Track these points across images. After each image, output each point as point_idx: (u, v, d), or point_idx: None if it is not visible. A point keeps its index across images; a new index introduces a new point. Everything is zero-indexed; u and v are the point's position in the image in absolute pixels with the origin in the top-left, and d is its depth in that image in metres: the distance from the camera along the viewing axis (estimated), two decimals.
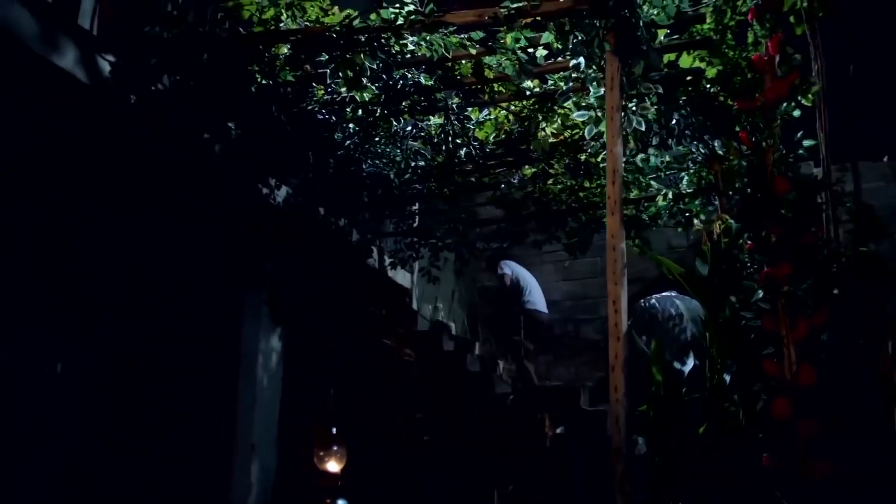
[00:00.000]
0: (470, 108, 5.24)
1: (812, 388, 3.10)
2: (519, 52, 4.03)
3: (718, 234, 3.71)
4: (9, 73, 4.01)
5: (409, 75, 4.68)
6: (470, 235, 8.09)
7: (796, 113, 3.70)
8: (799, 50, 4.25)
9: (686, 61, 4.72)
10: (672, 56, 4.67)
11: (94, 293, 5.30)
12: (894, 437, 2.81)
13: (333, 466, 3.59)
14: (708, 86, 4.79)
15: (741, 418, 3.46)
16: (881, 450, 3.00)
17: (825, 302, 3.21)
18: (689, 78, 4.70)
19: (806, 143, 3.52)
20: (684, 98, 4.69)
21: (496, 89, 4.93)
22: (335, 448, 3.65)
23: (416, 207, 7.42)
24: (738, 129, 4.11)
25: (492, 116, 5.42)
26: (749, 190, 3.38)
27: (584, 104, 4.11)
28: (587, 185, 6.47)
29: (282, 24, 4.32)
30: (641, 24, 3.75)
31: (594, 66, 3.92)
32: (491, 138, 5.60)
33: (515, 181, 6.32)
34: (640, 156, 5.38)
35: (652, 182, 6.17)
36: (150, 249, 5.65)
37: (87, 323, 5.28)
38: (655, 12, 3.78)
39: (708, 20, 4.37)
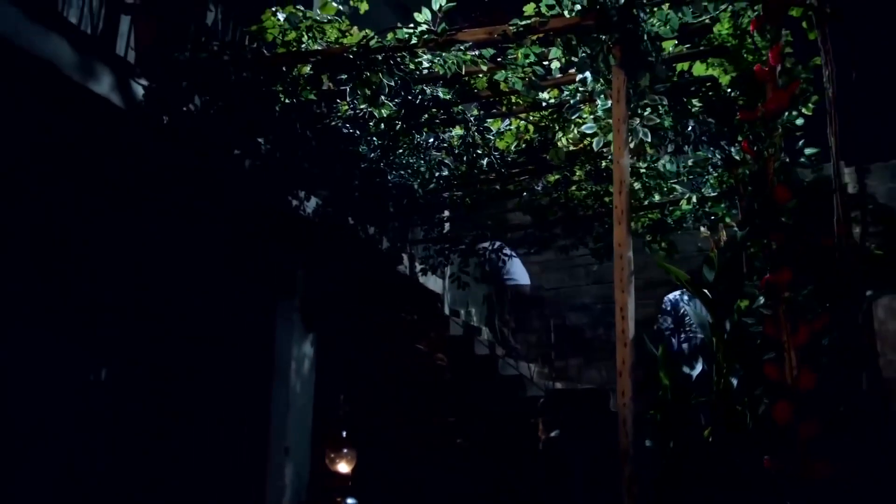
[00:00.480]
0: (489, 120, 5.40)
1: (812, 391, 3.20)
2: (530, 66, 4.18)
3: (725, 240, 3.80)
4: (50, 101, 4.31)
5: (428, 90, 4.86)
6: (497, 242, 8.27)
7: (799, 121, 3.77)
8: (810, 54, 4.34)
9: (699, 69, 4.82)
10: (686, 65, 4.77)
11: (138, 303, 5.60)
12: (889, 437, 2.89)
13: (344, 468, 3.79)
14: (724, 91, 4.88)
15: (748, 421, 3.55)
16: (881, 450, 3.07)
17: (825, 307, 3.30)
18: (704, 85, 4.79)
19: (808, 150, 3.59)
20: (699, 105, 4.78)
21: (513, 101, 5.08)
22: (345, 450, 3.85)
23: (445, 215, 7.62)
24: (740, 138, 4.19)
25: (511, 126, 5.57)
26: (751, 198, 3.48)
27: (592, 116, 4.24)
28: (611, 189, 6.58)
29: (303, 46, 4.54)
30: (646, 37, 3.87)
31: (601, 80, 4.05)
32: (512, 147, 5.74)
33: (539, 188, 6.45)
34: (661, 161, 5.48)
35: (676, 186, 6.26)
36: (188, 261, 5.94)
37: (131, 331, 5.58)
38: (659, 26, 3.90)
39: (725, 25, 4.47)
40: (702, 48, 4.39)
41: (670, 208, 6.52)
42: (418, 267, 7.91)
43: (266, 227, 6.19)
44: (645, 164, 5.91)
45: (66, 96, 4.29)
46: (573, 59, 4.00)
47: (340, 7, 4.58)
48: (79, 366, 5.32)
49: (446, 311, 8.74)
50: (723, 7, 3.96)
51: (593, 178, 6.14)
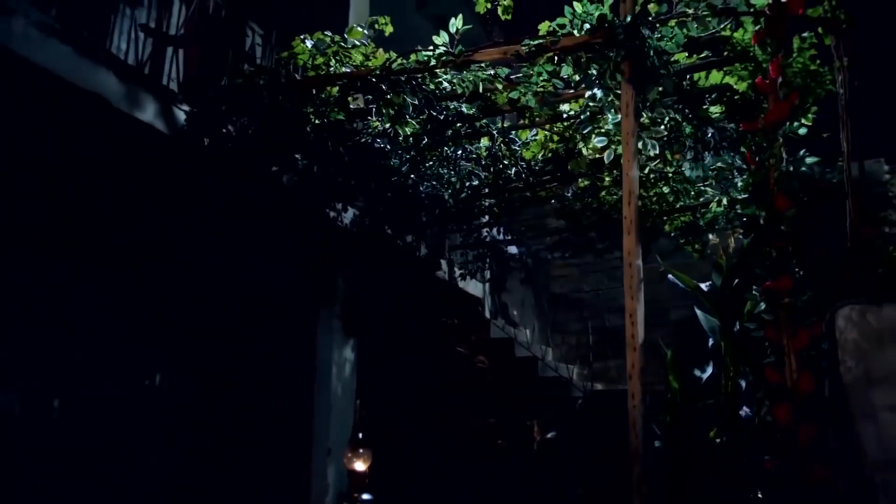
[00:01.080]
0: (514, 132, 5.61)
1: (812, 394, 3.33)
2: (544, 83, 4.39)
3: (733, 247, 3.95)
4: (99, 129, 4.71)
5: (452, 106, 5.10)
6: (534, 247, 8.46)
7: (802, 131, 3.89)
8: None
9: (716, 77, 4.95)
10: (703, 74, 4.91)
11: (193, 315, 6.02)
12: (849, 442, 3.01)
13: (360, 466, 4.09)
14: (745, 95, 4.99)
15: (756, 423, 3.69)
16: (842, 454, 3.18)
17: (825, 312, 3.42)
18: (720, 93, 4.91)
19: (809, 160, 3.71)
20: (719, 112, 4.91)
21: (535, 113, 5.27)
22: (361, 451, 4.15)
23: (483, 220, 7.84)
24: (743, 149, 4.32)
25: (537, 137, 5.77)
26: (753, 206, 3.63)
27: (603, 130, 4.43)
28: (644, 193, 6.71)
29: (331, 69, 4.84)
30: (652, 53, 4.03)
31: (612, 94, 4.23)
32: (539, 157, 5.93)
33: (570, 194, 6.63)
34: (684, 167, 5.60)
35: (707, 189, 6.37)
36: (235, 273, 6.32)
37: (187, 341, 6.00)
38: (666, 42, 4.06)
39: (748, 30, 4.60)
40: (713, 58, 4.51)
41: (702, 210, 6.62)
42: (457, 272, 8.16)
43: (306, 239, 6.53)
44: (672, 169, 6.03)
45: (114, 124, 4.67)
46: (584, 75, 4.18)
47: (366, 32, 4.86)
48: (152, 370, 5.78)
49: (487, 314, 8.97)
50: (726, 23, 4.09)
51: (620, 183, 6.28)
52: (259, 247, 6.37)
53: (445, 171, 6.01)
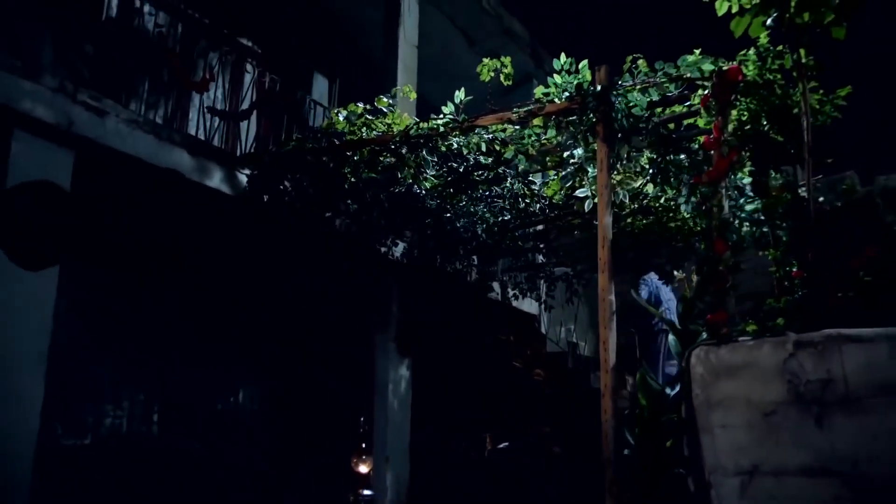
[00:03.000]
0: (532, 174, 6.44)
1: None
2: (534, 142, 5.23)
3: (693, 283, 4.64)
4: (175, 196, 5.88)
5: (471, 158, 5.99)
6: (579, 266, 9.19)
7: (746, 180, 4.56)
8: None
9: (702, 121, 5.62)
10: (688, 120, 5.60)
11: (271, 342, 7.19)
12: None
13: (363, 469, 5.10)
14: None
15: None
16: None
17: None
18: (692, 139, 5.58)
19: (748, 207, 4.39)
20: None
21: (525, 168, 6.04)
22: (364, 457, 5.16)
23: (528, 245, 8.66)
24: (693, 199, 5.00)
25: (556, 177, 6.57)
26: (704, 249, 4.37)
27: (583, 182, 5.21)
28: (671, 216, 7.37)
29: (363, 134, 5.83)
30: (621, 116, 4.80)
31: (589, 151, 5.01)
32: (560, 194, 6.72)
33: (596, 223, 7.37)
34: (681, 199, 6.24)
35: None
36: (302, 306, 7.45)
37: (266, 364, 7.18)
38: (632, 106, 4.82)
39: (751, 68, 5.26)
40: (680, 111, 5.19)
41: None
42: (510, 292, 9.00)
43: (362, 272, 7.56)
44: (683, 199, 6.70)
45: (186, 191, 5.84)
46: (564, 136, 4.99)
47: (390, 101, 5.83)
48: (239, 386, 6.99)
49: (543, 330, 9.74)
50: (680, 88, 4.80)
51: (640, 212, 7.00)
52: (324, 281, 7.47)
53: (476, 209, 6.89)
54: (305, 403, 7.45)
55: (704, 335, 4.27)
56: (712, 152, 4.48)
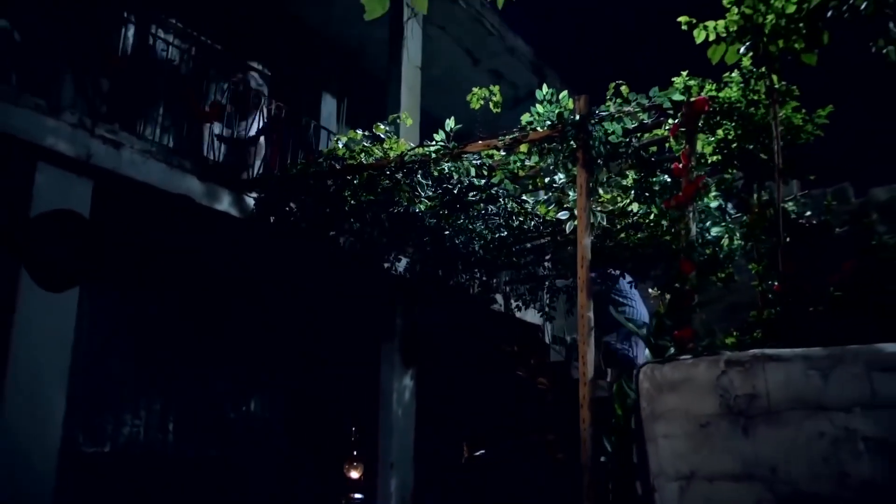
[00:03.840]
0: (525, 195, 6.81)
1: None
2: (519, 167, 5.62)
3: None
4: (187, 219, 6.34)
5: (465, 180, 6.38)
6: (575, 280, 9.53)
7: (713, 204, 4.92)
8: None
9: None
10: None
11: (283, 354, 7.63)
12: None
13: (354, 474, 5.51)
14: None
15: None
16: None
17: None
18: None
19: (714, 231, 4.75)
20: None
21: (537, 182, 6.43)
22: (355, 463, 5.57)
23: (529, 258, 9.03)
24: (664, 222, 5.36)
25: (544, 197, 6.93)
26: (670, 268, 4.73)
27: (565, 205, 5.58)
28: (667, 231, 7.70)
29: (361, 160, 6.24)
30: (598, 143, 5.16)
31: (570, 176, 5.39)
32: (552, 212, 7.09)
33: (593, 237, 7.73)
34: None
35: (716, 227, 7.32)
36: (311, 319, 7.88)
37: (278, 375, 7.62)
38: (609, 134, 5.18)
39: (735, 90, 5.61)
40: (662, 134, 5.54)
41: (722, 244, 7.56)
42: (513, 304, 9.37)
43: (366, 287, 7.98)
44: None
45: (197, 215, 6.29)
46: (546, 162, 5.37)
47: (387, 128, 6.24)
48: (252, 396, 7.43)
49: (547, 339, 10.10)
50: (653, 117, 5.16)
51: (633, 227, 7.35)
52: (331, 296, 7.90)
53: (474, 225, 7.28)
54: (313, 412, 7.89)
55: (672, 350, 4.62)
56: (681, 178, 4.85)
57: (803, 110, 5.88)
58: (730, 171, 6.27)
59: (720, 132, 6.00)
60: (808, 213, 7.37)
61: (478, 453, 8.14)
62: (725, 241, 7.46)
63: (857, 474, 2.79)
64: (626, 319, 5.60)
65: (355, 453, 5.84)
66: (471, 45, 10.21)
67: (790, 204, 7.16)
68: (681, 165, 4.83)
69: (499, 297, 9.34)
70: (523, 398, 9.54)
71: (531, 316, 9.90)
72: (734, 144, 6.06)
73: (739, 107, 5.74)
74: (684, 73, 5.66)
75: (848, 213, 8.98)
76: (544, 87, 5.45)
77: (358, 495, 5.69)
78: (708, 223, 5.01)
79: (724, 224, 7.37)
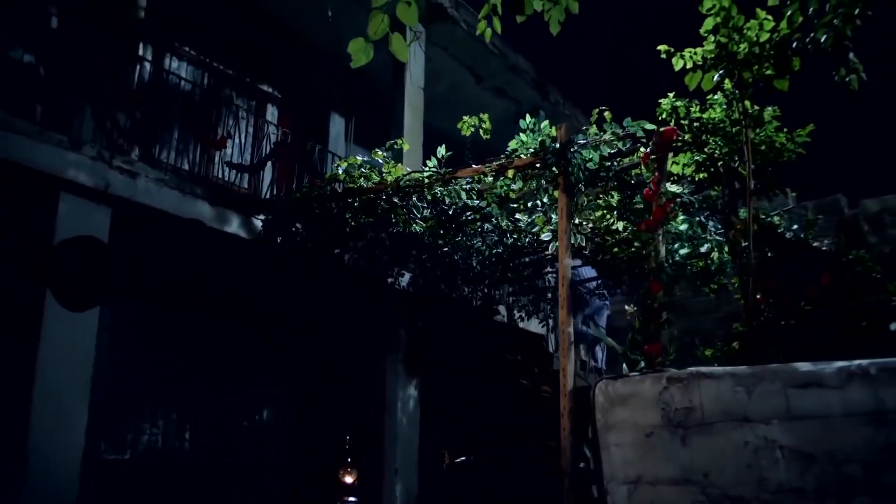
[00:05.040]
0: (518, 214, 7.25)
1: None
2: (503, 191, 6.07)
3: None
4: (199, 241, 6.86)
5: (459, 202, 6.83)
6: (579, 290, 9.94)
7: (683, 227, 5.33)
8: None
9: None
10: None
11: (292, 365, 8.13)
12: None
13: (349, 479, 5.97)
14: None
15: None
16: None
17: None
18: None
19: (682, 251, 5.16)
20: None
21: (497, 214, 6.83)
22: (349, 469, 6.02)
23: (528, 272, 9.46)
24: (637, 244, 5.77)
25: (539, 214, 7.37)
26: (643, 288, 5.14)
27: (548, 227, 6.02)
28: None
29: (360, 184, 6.72)
30: (577, 170, 5.59)
31: (553, 200, 5.82)
32: (545, 230, 7.52)
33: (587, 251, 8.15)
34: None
35: (706, 240, 7.72)
36: (320, 333, 8.37)
37: (287, 385, 8.12)
38: (587, 161, 5.61)
39: (718, 111, 6.02)
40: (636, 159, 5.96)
41: (711, 258, 7.95)
42: (516, 314, 9.80)
43: (372, 301, 8.47)
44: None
45: (208, 237, 6.80)
46: (529, 187, 5.81)
47: (385, 153, 6.72)
48: (263, 404, 7.93)
49: (550, 349, 10.53)
50: (629, 145, 5.59)
51: (623, 243, 7.77)
52: (337, 311, 8.39)
53: (471, 242, 7.73)
54: (320, 421, 8.38)
55: (643, 363, 5.04)
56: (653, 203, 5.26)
57: (785, 129, 6.29)
58: (715, 188, 6.71)
59: (706, 150, 6.41)
60: (795, 226, 7.77)
61: (459, 460, 8.57)
62: (715, 255, 7.88)
63: (774, 478, 3.21)
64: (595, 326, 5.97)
65: (349, 459, 6.32)
66: (473, 64, 10.67)
67: (776, 218, 7.57)
68: (651, 191, 5.25)
69: (502, 309, 9.78)
70: (528, 406, 9.97)
71: (534, 326, 10.35)
72: (720, 162, 6.48)
73: (723, 126, 6.17)
74: (671, 95, 6.10)
75: (841, 223, 9.35)
76: (527, 116, 5.89)
77: (352, 498, 6.17)
78: (676, 245, 5.39)
79: (710, 239, 7.79)
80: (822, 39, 4.85)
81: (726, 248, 7.69)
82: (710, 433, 3.43)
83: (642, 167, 5.55)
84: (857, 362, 3.12)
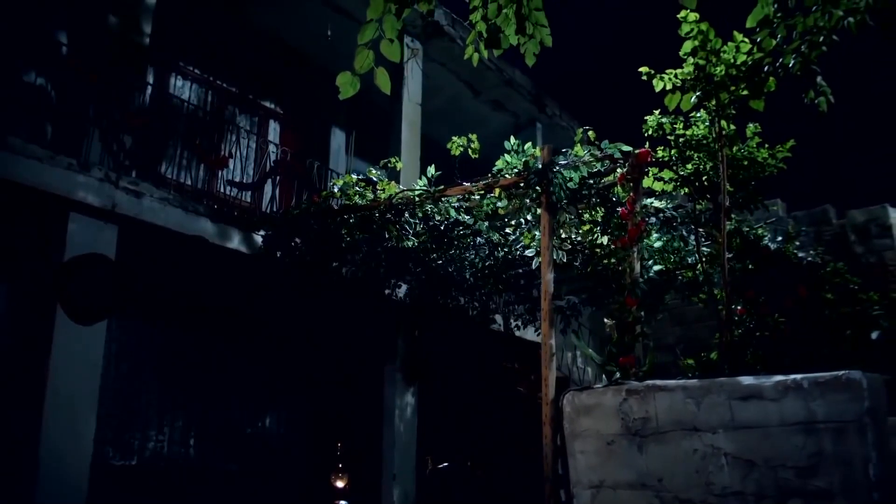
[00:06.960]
0: (508, 229, 7.59)
1: None
2: (489, 209, 6.41)
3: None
4: (202, 257, 7.24)
5: (449, 217, 7.18)
6: (570, 301, 10.27)
7: (658, 244, 5.66)
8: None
9: (648, 182, 6.72)
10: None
11: (297, 374, 8.50)
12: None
13: (340, 484, 6.33)
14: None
15: None
16: None
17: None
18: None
19: (655, 268, 5.49)
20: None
21: (485, 233, 7.19)
22: (340, 474, 6.38)
23: (522, 283, 9.79)
24: (613, 260, 6.10)
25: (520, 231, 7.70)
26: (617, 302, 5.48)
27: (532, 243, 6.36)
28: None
29: (355, 201, 7.08)
30: (558, 189, 5.93)
31: (536, 218, 6.16)
32: (533, 243, 7.85)
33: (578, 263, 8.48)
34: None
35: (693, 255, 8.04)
36: (321, 343, 8.74)
37: (292, 393, 8.49)
38: (568, 180, 5.95)
39: (702, 127, 6.34)
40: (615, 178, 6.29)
41: (698, 270, 8.27)
42: (512, 324, 10.14)
43: (370, 312, 8.83)
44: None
45: (211, 252, 7.18)
46: (513, 205, 6.15)
47: (378, 172, 7.08)
48: (271, 411, 8.31)
49: None
50: (607, 166, 5.92)
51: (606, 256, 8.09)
52: (336, 322, 8.76)
53: (464, 255, 8.08)
54: (321, 429, 8.75)
55: (618, 374, 5.37)
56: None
57: (766, 145, 6.60)
58: (700, 201, 7.05)
59: (689, 165, 6.74)
60: (780, 238, 8.08)
61: (440, 466, 8.92)
62: (700, 267, 8.19)
63: (719, 483, 3.54)
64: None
65: (340, 465, 6.68)
66: (470, 79, 11.03)
67: (760, 230, 7.88)
68: (627, 211, 5.58)
69: (498, 318, 10.11)
70: (524, 412, 10.31)
71: (530, 334, 10.66)
72: (704, 177, 6.80)
73: (706, 143, 6.50)
74: (656, 112, 6.42)
75: (819, 235, 9.63)
76: (512, 138, 6.25)
77: (343, 502, 6.55)
78: (650, 262, 5.72)
79: (695, 251, 8.09)
80: (791, 65, 5.16)
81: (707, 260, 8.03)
82: (663, 441, 3.76)
83: (618, 187, 5.88)
84: (792, 377, 3.44)
